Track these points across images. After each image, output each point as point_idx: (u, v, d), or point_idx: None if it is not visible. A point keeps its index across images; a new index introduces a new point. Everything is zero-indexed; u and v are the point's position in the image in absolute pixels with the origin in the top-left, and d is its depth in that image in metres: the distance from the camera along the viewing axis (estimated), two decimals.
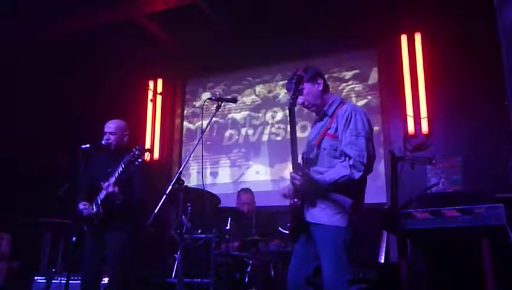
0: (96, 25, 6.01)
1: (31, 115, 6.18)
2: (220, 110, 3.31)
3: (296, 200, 2.59)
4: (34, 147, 6.18)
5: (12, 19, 5.56)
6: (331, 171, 2.55)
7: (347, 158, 2.53)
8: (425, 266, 4.03)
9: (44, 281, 4.49)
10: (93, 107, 6.35)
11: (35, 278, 4.59)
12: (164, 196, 2.98)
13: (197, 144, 3.16)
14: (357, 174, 2.49)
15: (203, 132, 3.27)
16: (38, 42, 6.15)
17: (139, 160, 3.61)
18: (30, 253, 5.09)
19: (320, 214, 2.54)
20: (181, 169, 3.13)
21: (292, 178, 2.54)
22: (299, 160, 2.72)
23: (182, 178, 3.13)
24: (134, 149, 3.64)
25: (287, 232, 2.81)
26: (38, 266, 5.03)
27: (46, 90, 6.32)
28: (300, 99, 2.76)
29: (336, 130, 2.63)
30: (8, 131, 6.00)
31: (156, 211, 2.91)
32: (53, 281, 4.48)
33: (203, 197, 3.75)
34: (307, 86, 2.74)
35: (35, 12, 5.48)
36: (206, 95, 6.66)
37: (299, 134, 3.23)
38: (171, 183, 3.07)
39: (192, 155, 3.32)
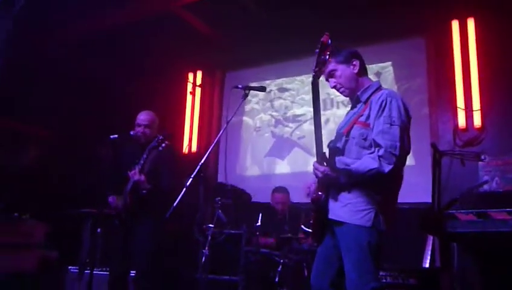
0: (135, 17, 5.99)
1: (73, 107, 6.29)
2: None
3: (320, 193, 2.35)
4: (75, 139, 6.29)
5: (53, 15, 5.64)
6: (358, 163, 2.28)
7: (377, 148, 2.26)
8: (474, 273, 3.69)
9: (77, 271, 4.51)
10: (133, 100, 6.37)
11: (69, 267, 4.62)
12: (184, 189, 2.89)
13: (221, 134, 3.02)
14: (387, 167, 2.20)
15: (228, 122, 3.13)
16: (78, 37, 6.23)
17: (163, 145, 3.54)
18: (65, 243, 5.15)
19: (342, 211, 2.29)
20: (202, 161, 3.01)
21: (315, 168, 2.31)
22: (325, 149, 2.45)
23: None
24: (157, 134, 3.62)
25: (310, 230, 2.57)
26: (72, 256, 5.07)
27: (86, 85, 6.41)
28: (332, 82, 2.54)
29: (368, 117, 2.36)
30: (47, 124, 6.15)
31: (175, 203, 2.82)
32: (86, 271, 4.48)
33: (229, 193, 3.60)
34: (340, 68, 2.50)
35: (75, 9, 5.52)
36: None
37: None
38: (191, 176, 2.96)
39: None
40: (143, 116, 3.92)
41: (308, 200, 2.46)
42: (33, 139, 6.47)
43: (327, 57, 2.36)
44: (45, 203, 5.47)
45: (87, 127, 6.34)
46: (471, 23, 4.98)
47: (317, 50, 2.33)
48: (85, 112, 6.39)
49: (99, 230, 3.59)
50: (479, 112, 4.83)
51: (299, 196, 4.89)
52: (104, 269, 4.20)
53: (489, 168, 4.63)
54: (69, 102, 6.27)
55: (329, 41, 2.33)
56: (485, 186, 4.31)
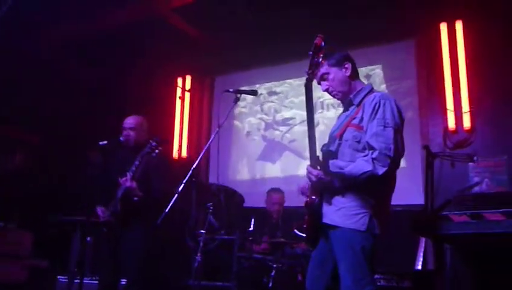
0: (123, 21, 5.93)
1: (60, 113, 6.20)
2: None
3: (313, 197, 2.32)
4: (62, 143, 6.20)
5: (39, 19, 5.57)
6: (352, 166, 2.26)
7: (371, 151, 2.24)
8: (467, 274, 3.68)
9: (66, 280, 4.42)
10: (122, 104, 6.30)
11: (58, 277, 4.53)
12: (176, 195, 2.84)
13: (213, 138, 2.99)
14: (381, 170, 2.18)
15: (219, 126, 3.09)
16: (64, 39, 6.16)
17: (156, 151, 3.48)
18: (54, 252, 5.06)
19: (336, 215, 2.26)
20: (194, 165, 2.97)
21: (308, 172, 2.28)
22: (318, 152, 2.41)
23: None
24: (150, 141, 3.52)
25: (304, 235, 2.54)
26: (61, 265, 4.99)
27: (73, 89, 6.34)
28: (324, 85, 2.51)
29: (361, 120, 2.35)
30: (34, 127, 6.05)
31: (166, 210, 2.77)
32: (75, 280, 4.40)
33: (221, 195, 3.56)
34: (332, 71, 2.48)
35: (60, 11, 5.45)
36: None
37: None
38: (183, 181, 2.92)
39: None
40: (129, 120, 3.86)
41: (301, 204, 2.43)
42: (19, 143, 6.36)
43: (320, 59, 2.34)
44: (32, 210, 5.37)
45: (74, 131, 6.25)
46: (459, 26, 4.99)
47: (311, 52, 2.31)
48: (71, 119, 6.31)
49: (88, 239, 3.50)
50: (468, 113, 4.84)
51: (291, 200, 4.89)
52: (93, 278, 4.13)
53: (479, 169, 4.63)
54: (53, 104, 6.18)
55: (323, 43, 2.31)
56: (476, 188, 4.31)
